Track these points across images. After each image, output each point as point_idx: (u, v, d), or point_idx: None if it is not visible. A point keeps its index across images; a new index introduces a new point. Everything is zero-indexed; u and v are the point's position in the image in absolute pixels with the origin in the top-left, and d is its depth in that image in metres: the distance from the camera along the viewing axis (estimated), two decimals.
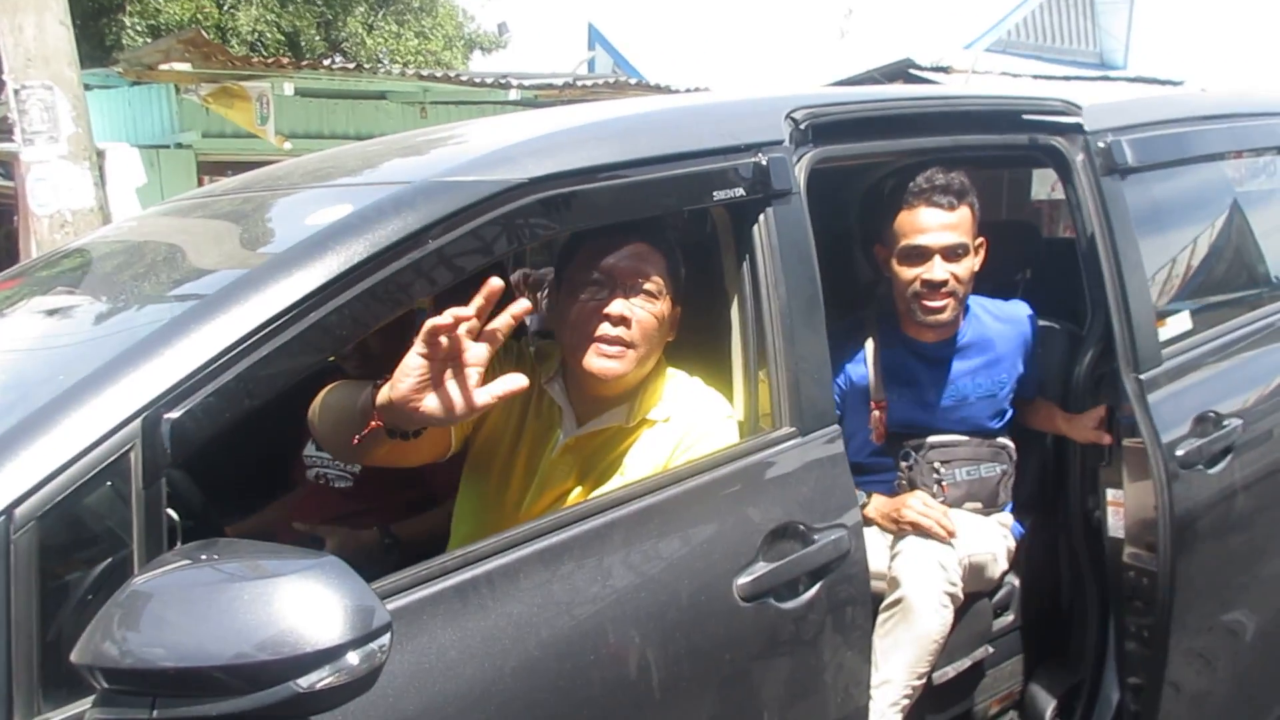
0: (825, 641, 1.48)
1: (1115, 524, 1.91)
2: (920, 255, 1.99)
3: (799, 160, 1.62)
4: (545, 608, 1.27)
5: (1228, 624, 2.05)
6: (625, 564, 1.34)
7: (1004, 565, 2.02)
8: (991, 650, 2.02)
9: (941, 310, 2.01)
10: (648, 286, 1.57)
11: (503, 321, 1.27)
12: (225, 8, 14.35)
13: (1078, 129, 1.90)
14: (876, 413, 2.06)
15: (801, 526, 1.48)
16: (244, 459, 2.10)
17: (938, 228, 1.97)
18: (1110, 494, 1.93)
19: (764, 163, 1.57)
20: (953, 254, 1.98)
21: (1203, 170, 2.27)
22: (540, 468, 1.62)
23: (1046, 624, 2.13)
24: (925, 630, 1.79)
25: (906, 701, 1.80)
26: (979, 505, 2.07)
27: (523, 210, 1.36)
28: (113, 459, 1.08)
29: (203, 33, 6.42)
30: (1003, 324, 2.15)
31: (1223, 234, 2.33)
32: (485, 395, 1.26)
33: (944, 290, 1.99)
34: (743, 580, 1.41)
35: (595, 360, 1.55)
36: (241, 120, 6.84)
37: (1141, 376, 1.86)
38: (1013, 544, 2.06)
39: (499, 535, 1.31)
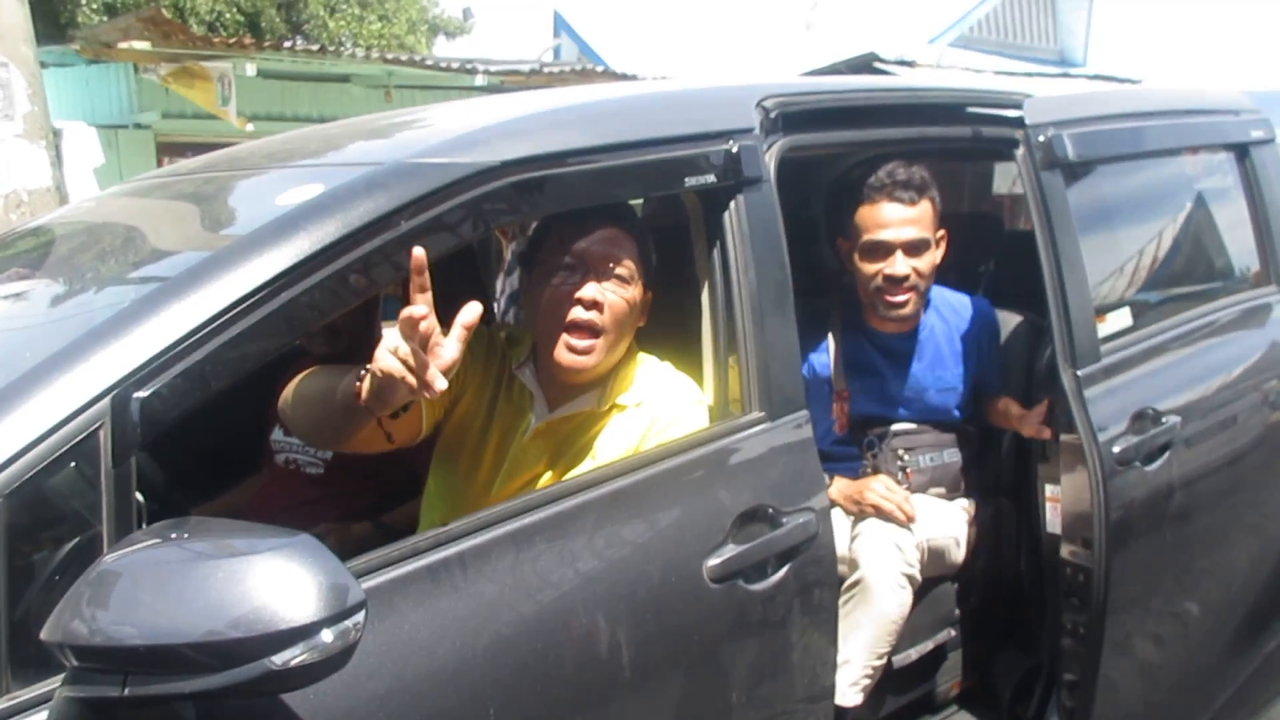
0: (793, 622, 1.50)
1: (1053, 520, 1.92)
2: (882, 250, 2.02)
3: (769, 148, 1.64)
4: (517, 588, 1.28)
5: (1164, 622, 2.06)
6: (596, 545, 1.35)
7: (965, 550, 2.05)
8: (953, 633, 2.06)
9: (904, 305, 2.05)
10: (619, 271, 1.57)
11: (420, 281, 1.24)
12: None
13: (1019, 123, 1.92)
14: (839, 403, 2.09)
15: (770, 510, 1.50)
16: (209, 442, 2.08)
17: (899, 223, 2.00)
18: (1048, 489, 1.94)
19: (735, 150, 1.58)
20: (914, 249, 2.01)
21: (1147, 166, 2.29)
22: (511, 452, 1.62)
23: (1008, 608, 2.16)
24: (883, 611, 1.83)
25: (868, 681, 1.84)
26: (943, 490, 2.11)
27: (495, 193, 1.36)
28: (81, 437, 1.07)
29: (162, 10, 6.31)
30: (963, 317, 2.18)
31: (1167, 231, 2.35)
32: (453, 343, 1.25)
33: (905, 285, 2.02)
34: (713, 562, 1.42)
35: (565, 355, 1.56)
36: (202, 101, 6.74)
37: (1079, 372, 1.87)
38: (975, 529, 2.10)
39: (470, 516, 1.31)
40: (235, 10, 14.20)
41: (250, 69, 6.88)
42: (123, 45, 6.14)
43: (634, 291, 1.59)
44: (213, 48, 6.63)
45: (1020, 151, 1.90)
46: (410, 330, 1.20)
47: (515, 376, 1.66)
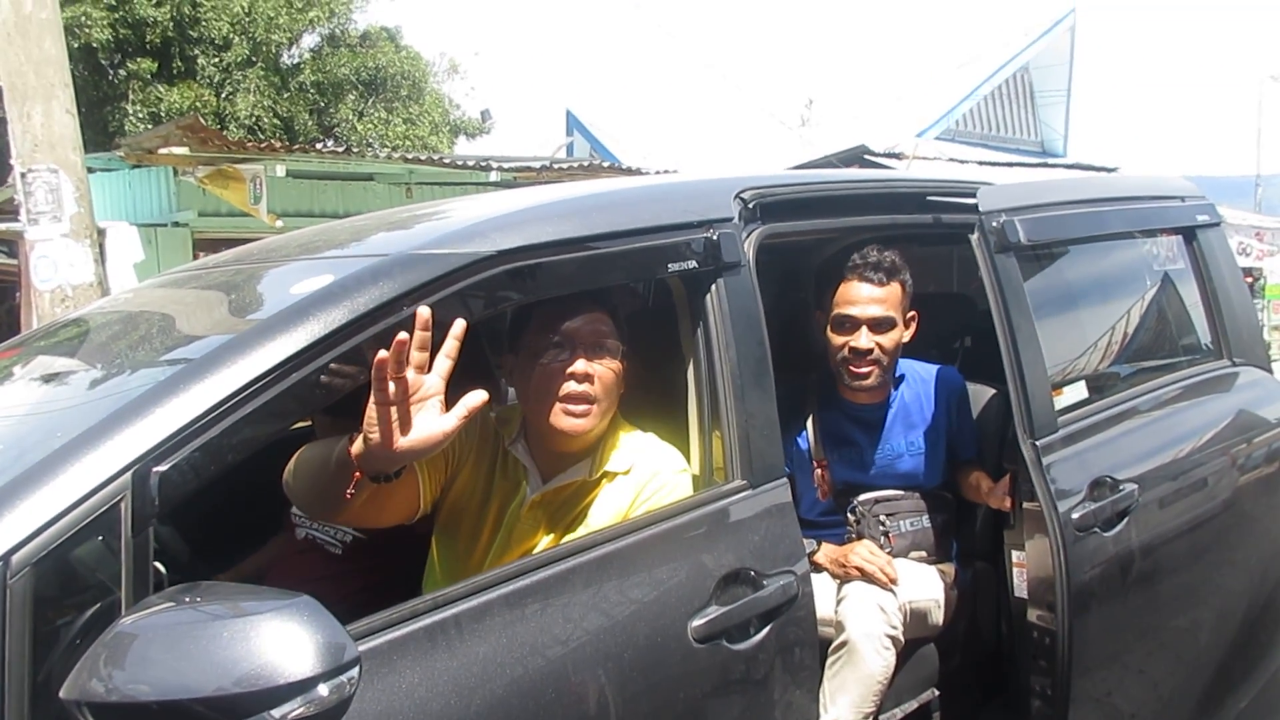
0: (775, 680, 1.56)
1: (1020, 584, 1.99)
2: (849, 324, 2.16)
3: (748, 236, 1.75)
4: (510, 649, 1.35)
5: (1131, 682, 2.10)
6: (586, 607, 1.43)
7: (945, 612, 2.11)
8: (938, 693, 2.09)
9: (866, 376, 2.17)
10: (605, 345, 1.68)
11: (448, 346, 1.36)
12: (224, 95, 14.76)
13: (974, 209, 2.03)
14: (819, 471, 2.19)
15: (753, 572, 1.56)
16: (229, 514, 2.17)
17: (867, 300, 2.14)
18: (1015, 555, 2.01)
19: (715, 238, 1.69)
20: (879, 326, 2.15)
21: (1099, 249, 2.41)
22: (508, 523, 1.70)
23: (989, 668, 2.20)
24: (868, 671, 1.88)
25: None
26: (924, 554, 2.18)
27: (491, 280, 1.48)
28: (104, 509, 1.15)
29: (200, 119, 6.67)
30: (933, 386, 2.29)
31: (1121, 309, 2.45)
32: (452, 419, 1.35)
33: (869, 358, 2.15)
34: (697, 622, 1.49)
35: (564, 420, 1.65)
36: (236, 200, 7.05)
37: (1038, 443, 1.95)
38: (955, 592, 2.16)
39: (466, 581, 1.39)
40: (272, 115, 14.83)
41: (280, 170, 7.21)
42: (163, 151, 6.47)
43: (617, 363, 1.70)
44: (246, 151, 6.97)
45: (975, 236, 2.01)
46: (381, 385, 1.29)
47: (509, 452, 1.75)
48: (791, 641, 1.58)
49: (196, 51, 14.66)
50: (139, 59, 14.32)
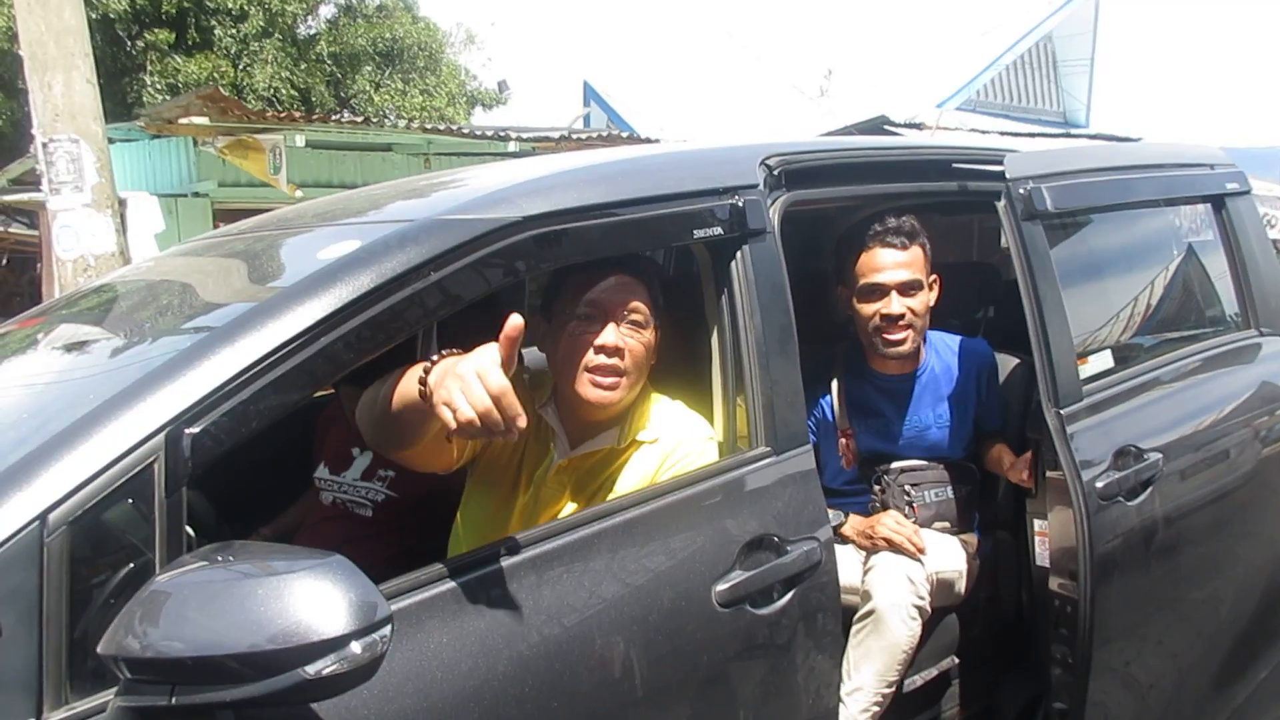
0: (797, 645, 1.57)
1: (1042, 553, 1.99)
2: (878, 292, 2.15)
3: (773, 203, 1.75)
4: (536, 611, 1.37)
5: (1152, 652, 2.10)
6: (611, 571, 1.44)
7: (969, 582, 2.11)
8: (958, 661, 2.11)
9: (902, 342, 2.16)
10: (635, 316, 1.67)
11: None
12: (241, 67, 14.74)
13: (1000, 177, 2.01)
14: (844, 440, 2.19)
15: (776, 538, 1.57)
16: (256, 478, 2.20)
17: (893, 265, 2.14)
18: (1037, 524, 2.01)
19: (740, 204, 1.68)
20: (907, 289, 2.15)
21: (1127, 217, 2.38)
22: (536, 487, 1.71)
23: (1010, 637, 2.21)
24: (894, 640, 1.89)
25: (877, 709, 1.89)
26: (947, 525, 2.18)
27: (517, 246, 1.48)
28: (138, 470, 1.17)
29: (220, 89, 6.66)
30: (962, 358, 2.28)
31: (1148, 278, 2.43)
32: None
33: (902, 323, 2.15)
34: (721, 587, 1.50)
35: (591, 390, 1.65)
36: (255, 170, 7.07)
37: (1062, 411, 1.94)
38: (978, 561, 2.16)
39: (494, 543, 1.41)
40: (289, 86, 14.80)
41: (300, 140, 7.22)
42: (183, 121, 6.49)
43: (649, 334, 1.69)
44: (265, 121, 6.98)
45: (1002, 204, 2.00)
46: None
47: (540, 416, 1.76)
48: (814, 607, 1.59)
49: (213, 22, 14.62)
50: (156, 30, 14.30)
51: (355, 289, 1.36)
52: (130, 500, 1.18)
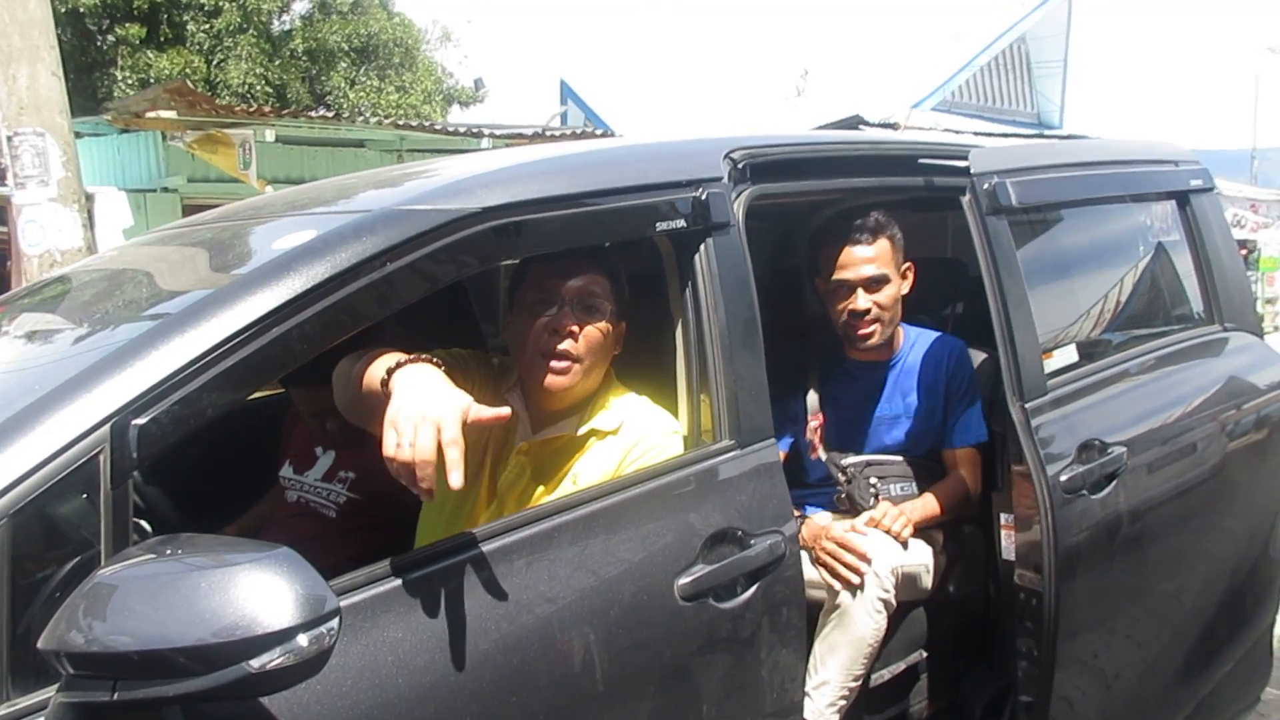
0: (761, 640, 1.56)
1: (1007, 546, 2.00)
2: (845, 288, 2.18)
3: (737, 196, 1.74)
4: (494, 605, 1.35)
5: (1117, 644, 2.11)
6: (572, 564, 1.42)
7: (935, 576, 2.12)
8: (926, 655, 2.11)
9: (870, 336, 2.19)
10: (593, 304, 1.68)
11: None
12: (215, 63, 14.60)
13: (964, 172, 2.02)
14: (815, 425, 2.21)
15: (740, 532, 1.56)
16: (220, 478, 2.17)
17: (858, 261, 2.16)
18: (1003, 518, 2.01)
19: (704, 197, 1.67)
20: (874, 284, 2.17)
21: (1091, 213, 2.40)
22: (498, 469, 1.72)
23: (979, 630, 2.21)
24: (860, 634, 1.89)
25: (844, 702, 1.89)
26: None
27: (476, 237, 1.46)
28: (83, 461, 1.15)
29: (188, 83, 6.59)
30: (936, 354, 2.29)
31: (1113, 274, 2.45)
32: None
33: (868, 318, 2.17)
34: (683, 581, 1.49)
35: (545, 376, 1.67)
36: (225, 165, 7.00)
37: (1026, 405, 1.94)
38: (944, 556, 2.16)
39: (451, 538, 1.39)
40: (264, 83, 14.69)
41: (270, 135, 7.15)
42: (150, 115, 6.41)
43: (606, 324, 1.69)
44: (234, 115, 6.90)
45: (967, 198, 2.00)
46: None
47: (506, 400, 1.75)
48: (778, 601, 1.58)
49: (186, 17, 14.49)
50: (127, 24, 14.16)
51: (309, 279, 1.33)
52: (75, 493, 1.16)
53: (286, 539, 2.17)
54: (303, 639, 1.03)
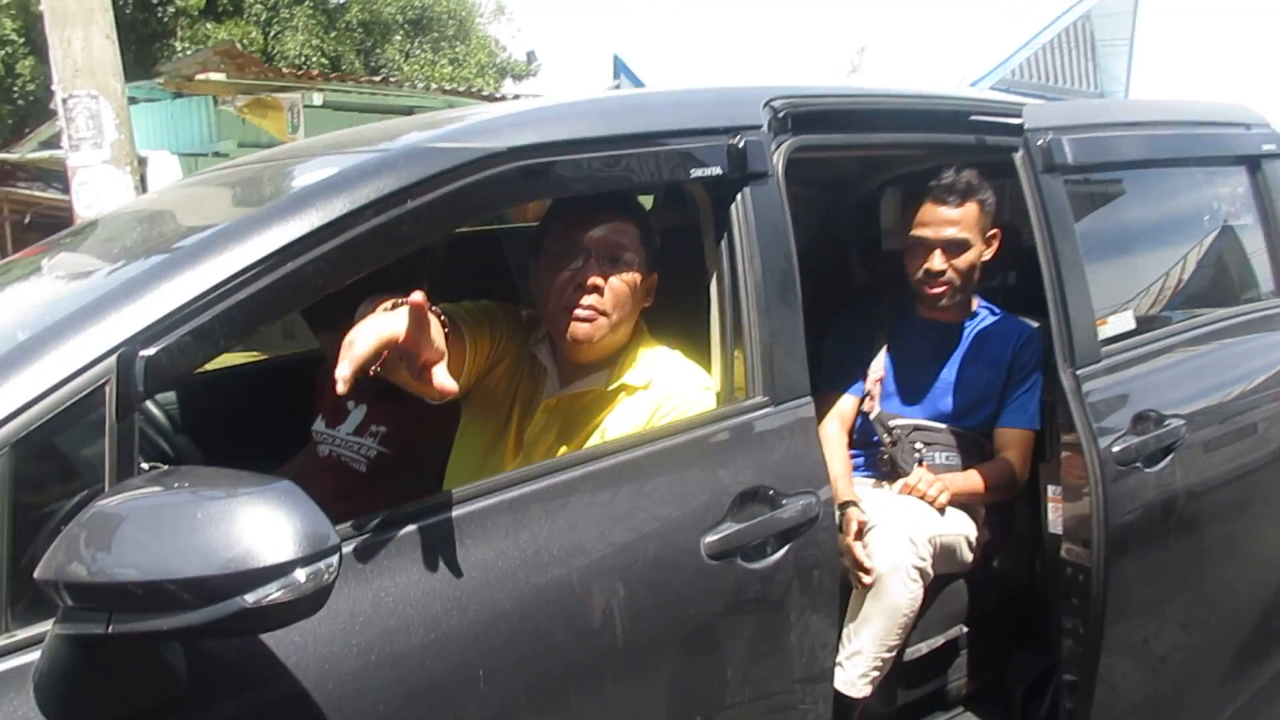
0: (791, 603, 1.49)
1: (1055, 520, 1.90)
2: (923, 247, 2.14)
3: (777, 147, 1.66)
4: (512, 556, 1.30)
5: (1167, 627, 2.01)
6: (593, 517, 1.37)
7: (974, 549, 2.05)
8: (966, 630, 2.03)
9: (939, 298, 2.15)
10: (622, 256, 1.62)
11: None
12: (272, 34, 14.75)
13: (1018, 129, 1.92)
14: (875, 379, 2.18)
15: (771, 491, 1.50)
16: (253, 434, 2.15)
17: (940, 223, 2.12)
18: (1050, 490, 1.92)
19: (741, 145, 1.60)
20: (952, 247, 2.12)
21: (1155, 176, 2.28)
22: (524, 424, 1.68)
23: (1023, 608, 2.13)
24: (894, 603, 1.82)
25: (876, 673, 1.83)
26: None
27: (501, 177, 1.40)
28: (88, 392, 1.11)
29: (237, 45, 6.63)
30: (1007, 328, 2.24)
31: (1176, 240, 2.33)
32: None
33: (942, 280, 2.13)
34: (710, 539, 1.43)
35: (570, 327, 1.61)
36: (274, 130, 7.06)
37: (1078, 372, 1.85)
38: (987, 530, 2.10)
39: (469, 484, 1.34)
40: (319, 54, 14.82)
41: (317, 99, 7.18)
42: (200, 77, 6.47)
43: (635, 275, 1.64)
44: (282, 78, 6.94)
45: (1020, 155, 1.90)
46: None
47: (534, 353, 1.72)
48: (810, 564, 1.51)
49: None
50: None
51: (326, 214, 1.29)
52: (80, 424, 1.12)
53: (315, 493, 2.17)
54: (301, 574, 0.99)
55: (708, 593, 1.43)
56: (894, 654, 1.85)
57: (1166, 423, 1.92)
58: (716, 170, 1.59)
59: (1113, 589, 1.81)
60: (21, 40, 13.10)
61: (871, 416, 2.19)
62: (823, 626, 1.55)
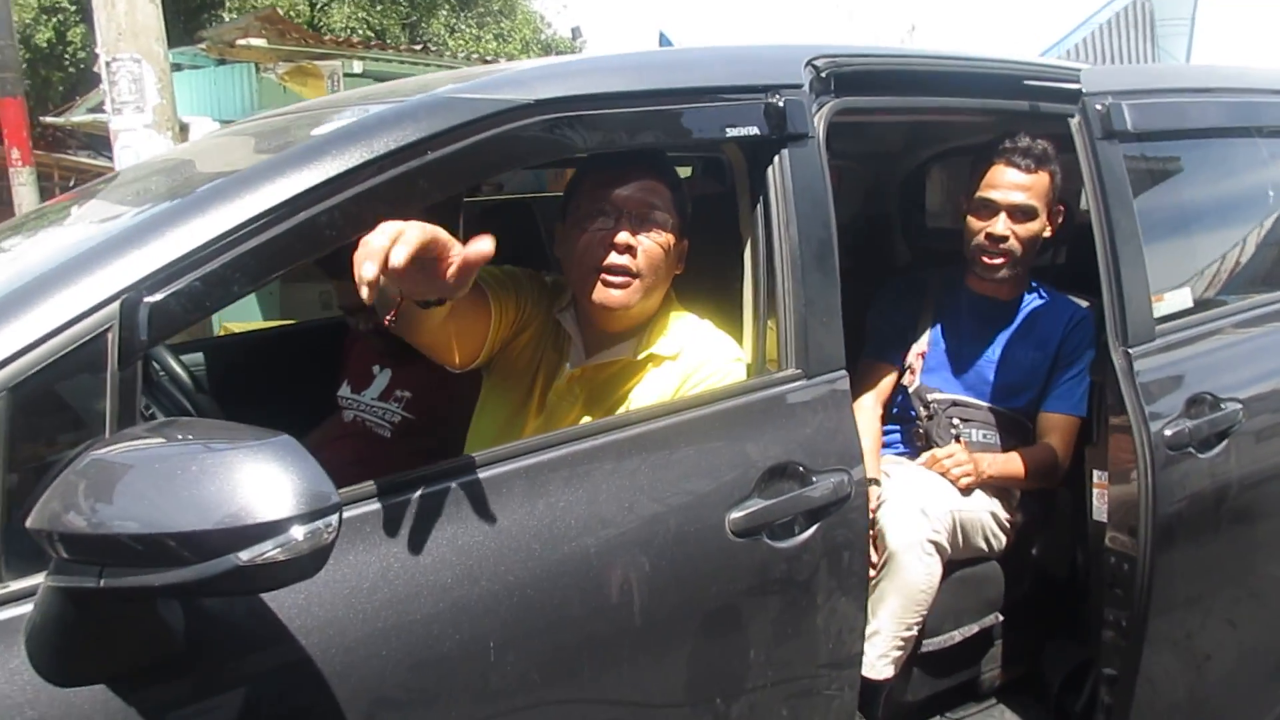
0: (819, 584, 1.43)
1: (1099, 506, 1.81)
2: (989, 208, 2.05)
3: (819, 109, 1.58)
4: (528, 524, 1.25)
5: (1214, 622, 1.91)
6: (613, 488, 1.31)
7: (1006, 533, 1.98)
8: (1001, 619, 1.95)
9: (998, 268, 2.07)
10: (653, 216, 1.55)
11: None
12: (318, 6, 14.80)
13: (1075, 94, 1.83)
14: (918, 352, 2.11)
15: (801, 467, 1.43)
16: (280, 399, 2.13)
17: (1011, 185, 2.04)
18: (1096, 475, 1.82)
19: (781, 104, 1.53)
20: (1018, 213, 2.04)
21: (1219, 144, 2.16)
22: (546, 394, 1.62)
23: (1062, 597, 2.05)
24: (909, 580, 1.76)
25: (898, 653, 1.77)
26: None
27: (525, 130, 1.34)
28: (89, 338, 1.07)
29: (277, 10, 6.64)
30: (1059, 309, 2.16)
31: (1239, 214, 2.21)
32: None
33: (1003, 246, 2.05)
34: (736, 515, 1.37)
35: (601, 291, 1.54)
36: (314, 97, 7.06)
37: (1131, 350, 1.76)
38: (1021, 515, 2.03)
39: (487, 450, 1.29)
40: (365, 27, 14.86)
41: (357, 67, 7.17)
42: (241, 42, 6.48)
43: (668, 238, 1.56)
44: (323, 45, 6.93)
45: (1076, 120, 1.81)
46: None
47: (559, 322, 1.65)
48: (840, 544, 1.44)
49: None
50: None
51: (343, 163, 1.24)
52: (81, 371, 1.08)
53: (340, 459, 2.15)
54: (298, 532, 0.94)
55: (731, 571, 1.37)
56: (914, 634, 1.80)
57: (1222, 406, 1.83)
58: (753, 130, 1.51)
59: (1158, 580, 1.72)
60: (74, 8, 13.23)
61: (910, 390, 2.11)
62: (851, 610, 1.48)
